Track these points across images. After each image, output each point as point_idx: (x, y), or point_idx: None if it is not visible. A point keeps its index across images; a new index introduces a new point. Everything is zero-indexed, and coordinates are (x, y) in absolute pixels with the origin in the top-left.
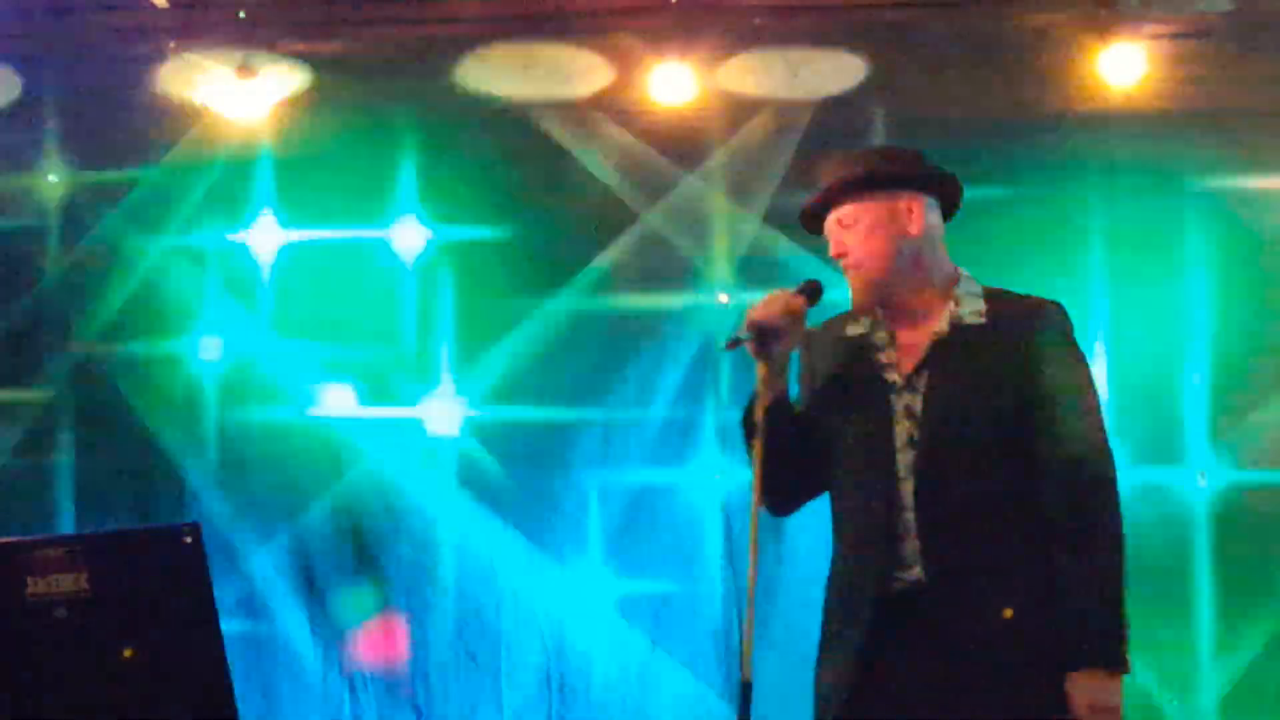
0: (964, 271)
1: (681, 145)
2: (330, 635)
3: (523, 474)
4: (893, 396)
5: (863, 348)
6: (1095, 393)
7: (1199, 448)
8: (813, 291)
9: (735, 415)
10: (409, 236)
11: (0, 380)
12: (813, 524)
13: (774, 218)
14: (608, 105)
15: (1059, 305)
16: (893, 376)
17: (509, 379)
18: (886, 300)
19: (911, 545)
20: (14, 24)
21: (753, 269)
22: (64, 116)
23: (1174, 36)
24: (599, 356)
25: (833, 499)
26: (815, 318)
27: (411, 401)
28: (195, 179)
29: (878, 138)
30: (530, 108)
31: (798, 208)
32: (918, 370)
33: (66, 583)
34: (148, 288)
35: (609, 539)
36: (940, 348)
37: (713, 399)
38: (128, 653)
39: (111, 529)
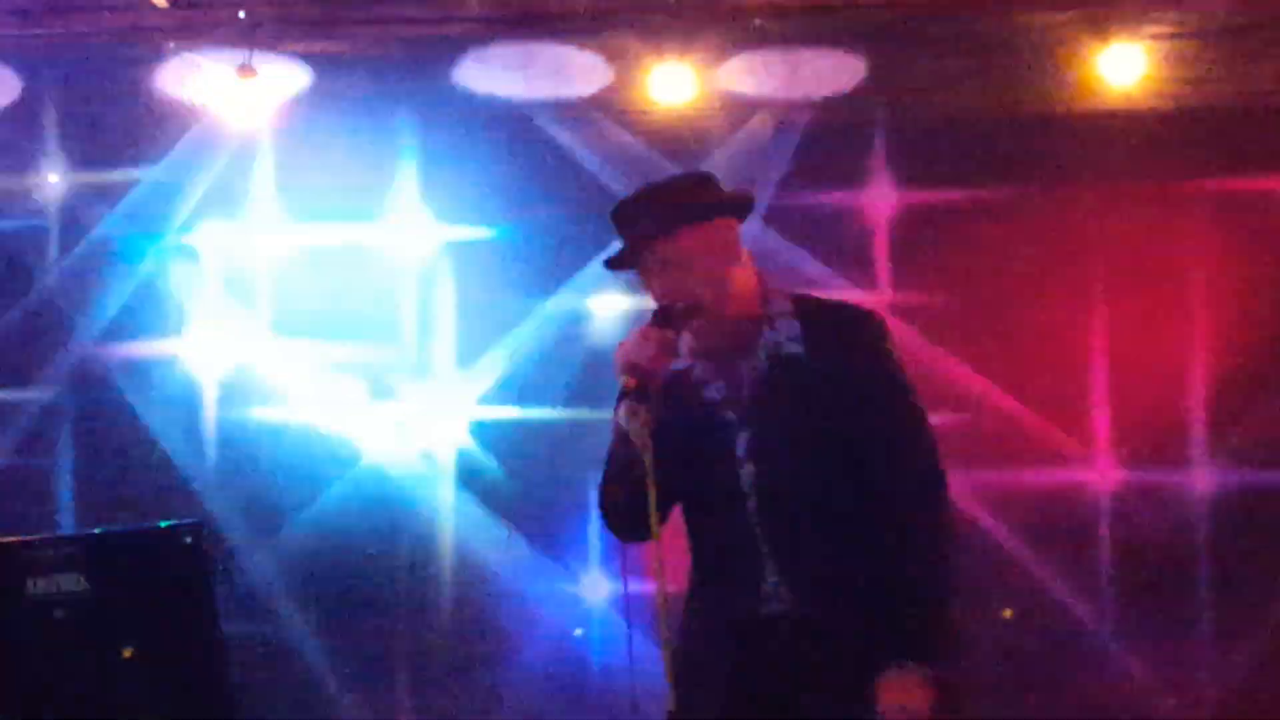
0: (771, 286)
1: (681, 145)
2: (330, 635)
3: (523, 474)
4: (734, 437)
5: (690, 383)
6: (917, 400)
7: (1199, 448)
8: (675, 316)
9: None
10: (409, 236)
11: (0, 380)
12: None
13: (774, 218)
14: (608, 105)
15: (871, 315)
16: (728, 414)
17: (509, 379)
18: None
19: (769, 582)
20: (14, 24)
21: None
22: (64, 116)
23: (1174, 36)
24: (599, 356)
25: (688, 532)
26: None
27: (411, 401)
28: (195, 179)
29: (878, 138)
30: (530, 108)
31: (799, 208)
32: (748, 408)
33: (66, 583)
34: (148, 288)
35: (609, 539)
36: (762, 384)
37: None
38: (128, 653)
39: (111, 529)
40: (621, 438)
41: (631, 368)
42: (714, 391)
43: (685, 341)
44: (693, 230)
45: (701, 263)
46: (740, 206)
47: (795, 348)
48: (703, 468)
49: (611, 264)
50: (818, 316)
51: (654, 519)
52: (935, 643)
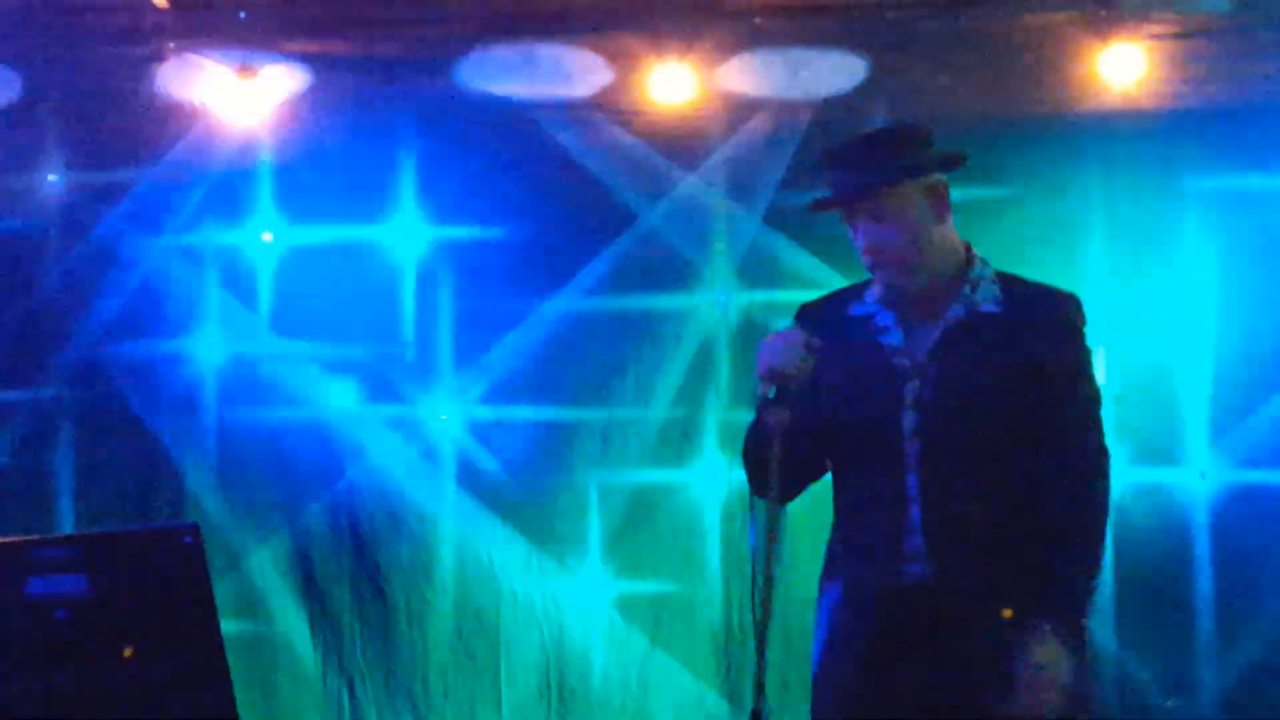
0: (975, 253)
1: (681, 145)
2: (329, 635)
3: (523, 474)
4: (903, 384)
5: (867, 329)
6: (1098, 393)
7: (1199, 448)
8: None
9: (736, 416)
10: (409, 236)
11: (0, 380)
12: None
13: (774, 218)
14: (608, 105)
15: (1074, 298)
16: (902, 362)
17: (509, 379)
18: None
19: (915, 540)
20: (14, 24)
21: (753, 269)
22: (64, 116)
23: (1174, 36)
24: (599, 356)
25: (835, 483)
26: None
27: (411, 401)
28: (195, 179)
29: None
30: (530, 108)
31: (798, 207)
32: (929, 357)
33: (66, 583)
34: (148, 288)
35: (609, 539)
36: (954, 335)
37: (713, 399)
38: (128, 653)
39: (111, 529)
40: (762, 431)
41: (773, 374)
42: (893, 337)
43: (874, 292)
44: (912, 184)
45: (911, 217)
46: (954, 163)
47: (993, 308)
48: (866, 410)
49: (817, 206)
50: (1022, 287)
51: (776, 494)
52: (1075, 616)
